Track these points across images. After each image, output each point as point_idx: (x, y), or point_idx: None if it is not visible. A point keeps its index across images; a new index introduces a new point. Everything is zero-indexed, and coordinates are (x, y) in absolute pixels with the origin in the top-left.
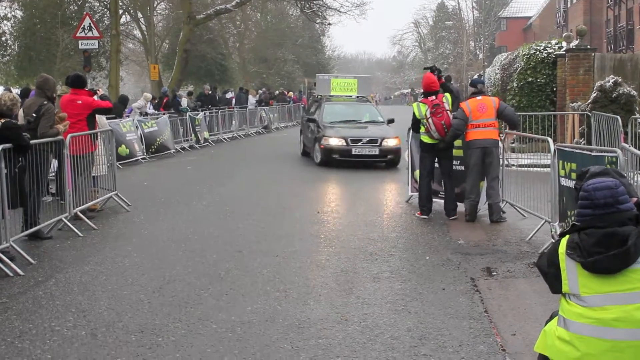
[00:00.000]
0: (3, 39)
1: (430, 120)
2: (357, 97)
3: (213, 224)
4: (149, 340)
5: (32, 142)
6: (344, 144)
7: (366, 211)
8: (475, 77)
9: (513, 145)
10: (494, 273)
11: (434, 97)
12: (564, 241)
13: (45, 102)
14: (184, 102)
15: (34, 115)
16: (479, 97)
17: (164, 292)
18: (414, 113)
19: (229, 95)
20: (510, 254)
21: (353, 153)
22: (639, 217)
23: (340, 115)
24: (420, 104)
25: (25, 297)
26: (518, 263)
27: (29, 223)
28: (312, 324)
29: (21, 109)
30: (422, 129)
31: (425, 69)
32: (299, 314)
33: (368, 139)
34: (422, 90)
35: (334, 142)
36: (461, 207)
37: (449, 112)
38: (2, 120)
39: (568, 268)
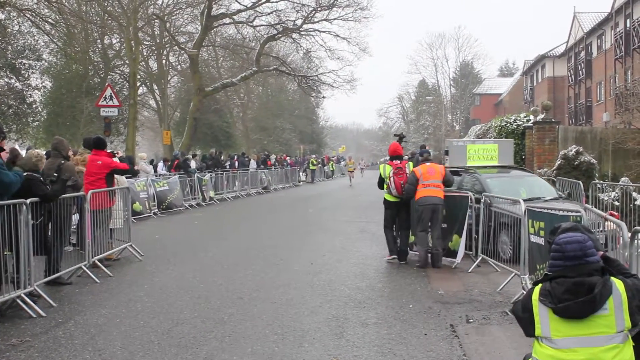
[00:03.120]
0: (34, 106)
1: (392, 179)
2: (501, 166)
3: (217, 273)
4: None
5: (52, 191)
6: None
7: (355, 263)
8: (421, 148)
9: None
10: (471, 320)
11: (398, 161)
12: (537, 289)
13: (63, 162)
14: (193, 164)
15: (55, 174)
16: (428, 164)
17: (173, 333)
18: (380, 173)
19: (227, 164)
20: (486, 303)
21: None
22: (605, 268)
23: (512, 192)
24: (387, 165)
25: (47, 337)
26: (492, 311)
27: (52, 269)
28: None
29: None
30: (385, 187)
31: (395, 135)
32: (294, 355)
33: None
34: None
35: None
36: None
37: (407, 175)
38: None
39: (540, 313)
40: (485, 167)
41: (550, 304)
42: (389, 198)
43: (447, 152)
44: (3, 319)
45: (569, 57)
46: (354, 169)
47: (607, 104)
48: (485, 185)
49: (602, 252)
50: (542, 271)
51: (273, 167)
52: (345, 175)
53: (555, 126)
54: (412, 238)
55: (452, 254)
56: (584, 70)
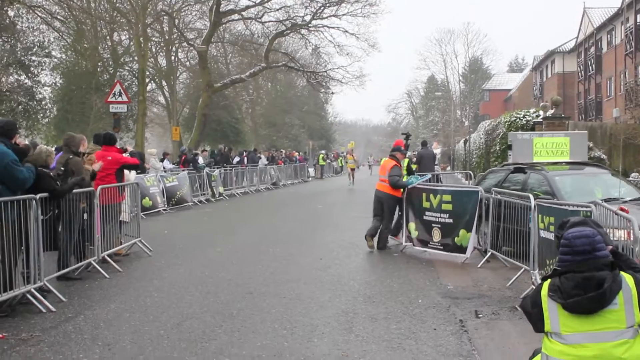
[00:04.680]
0: (43, 102)
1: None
2: (573, 162)
3: (226, 269)
4: None
5: (64, 187)
6: None
7: (364, 258)
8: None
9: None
10: (481, 315)
11: (396, 152)
12: (546, 284)
13: (71, 157)
14: (201, 159)
15: (62, 169)
16: (386, 158)
17: (182, 328)
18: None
19: (236, 159)
20: (495, 298)
21: None
22: (614, 263)
23: (585, 193)
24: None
25: (57, 331)
26: (502, 306)
27: (62, 265)
28: (316, 359)
29: None
30: None
31: (402, 134)
32: (304, 350)
33: None
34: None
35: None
36: (451, 257)
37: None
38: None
39: (550, 308)
40: (554, 163)
41: (559, 299)
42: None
43: (509, 147)
44: (13, 313)
45: (579, 52)
46: (356, 166)
47: (617, 100)
48: (553, 185)
49: (611, 247)
50: (551, 266)
51: (283, 163)
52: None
53: (565, 122)
54: (414, 233)
55: (459, 249)
56: (593, 65)
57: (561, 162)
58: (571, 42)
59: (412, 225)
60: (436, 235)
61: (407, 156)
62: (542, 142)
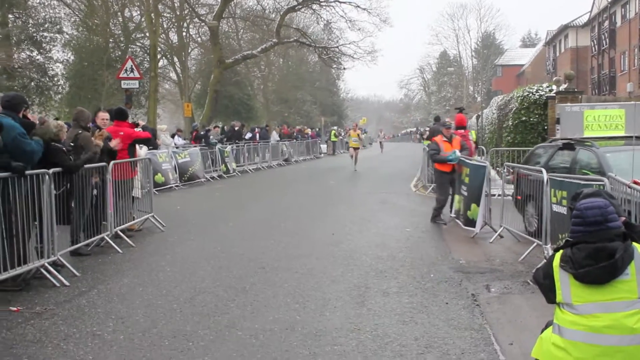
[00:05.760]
0: (55, 79)
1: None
2: (628, 136)
3: (238, 244)
4: (180, 344)
5: (78, 162)
6: None
7: (376, 233)
8: (435, 120)
9: (509, 177)
10: (493, 289)
11: (462, 130)
12: (557, 255)
13: (80, 132)
14: (212, 136)
15: (72, 144)
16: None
17: (195, 302)
18: None
19: (248, 135)
20: (507, 272)
21: None
22: (626, 234)
23: None
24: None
25: (70, 305)
26: (514, 281)
27: (74, 240)
28: (328, 333)
29: None
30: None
31: (456, 108)
32: (316, 323)
33: None
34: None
35: None
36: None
37: (472, 142)
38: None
39: (561, 279)
40: (607, 138)
41: (570, 269)
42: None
43: (558, 121)
44: (28, 287)
45: (593, 26)
46: (361, 145)
47: (631, 74)
48: (604, 162)
49: (623, 218)
50: (564, 241)
51: (295, 139)
52: (367, 147)
53: (579, 96)
54: (457, 205)
55: (471, 223)
56: (607, 40)
57: (615, 137)
58: (585, 16)
59: (456, 197)
60: (462, 208)
61: (419, 132)
62: (594, 114)
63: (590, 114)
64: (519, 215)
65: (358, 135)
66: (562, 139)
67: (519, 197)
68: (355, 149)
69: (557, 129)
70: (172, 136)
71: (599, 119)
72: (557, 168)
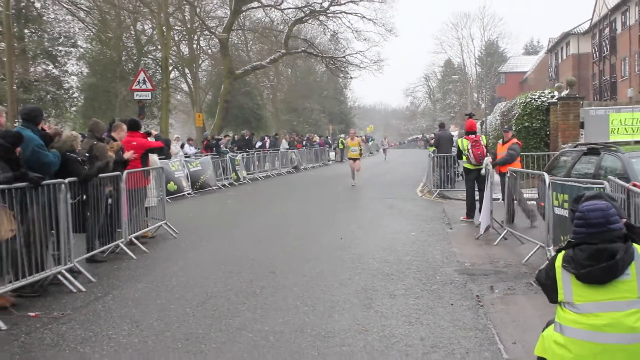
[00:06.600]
0: (70, 91)
1: (470, 150)
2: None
3: (249, 249)
4: (193, 347)
5: (91, 171)
6: None
7: (383, 237)
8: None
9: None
10: (496, 290)
11: (473, 135)
12: (560, 256)
13: (95, 142)
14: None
15: (87, 154)
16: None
17: (207, 306)
18: (458, 146)
19: (258, 144)
20: (510, 274)
21: None
22: (627, 235)
23: None
24: (464, 139)
25: (87, 310)
26: (518, 282)
27: (89, 248)
28: (336, 334)
29: None
30: (464, 158)
31: (466, 114)
32: (324, 325)
33: None
34: (459, 131)
35: None
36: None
37: (483, 147)
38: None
39: (563, 279)
40: (635, 142)
41: (573, 269)
42: (469, 166)
43: (582, 125)
44: (45, 293)
45: (594, 34)
46: (360, 153)
47: (632, 80)
48: (629, 167)
49: (625, 220)
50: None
51: (304, 147)
52: (374, 154)
53: (580, 102)
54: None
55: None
56: (608, 46)
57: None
58: (586, 23)
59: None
60: None
61: (425, 138)
62: (620, 118)
63: (616, 118)
64: (522, 217)
65: (359, 143)
66: (586, 144)
67: (542, 204)
68: (355, 159)
69: (582, 134)
70: (182, 146)
71: (625, 123)
72: (580, 174)
